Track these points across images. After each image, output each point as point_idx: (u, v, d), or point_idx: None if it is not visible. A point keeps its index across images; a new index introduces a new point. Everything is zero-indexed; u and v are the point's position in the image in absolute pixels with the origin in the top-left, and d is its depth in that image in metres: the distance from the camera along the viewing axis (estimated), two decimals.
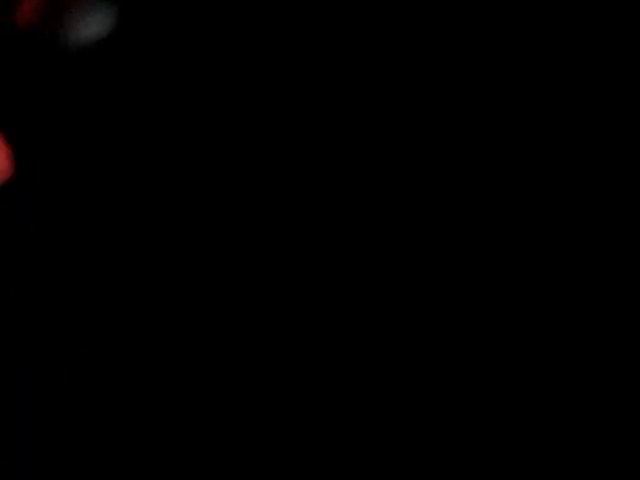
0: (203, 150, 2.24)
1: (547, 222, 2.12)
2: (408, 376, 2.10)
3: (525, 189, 2.14)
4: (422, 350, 2.11)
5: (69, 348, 2.17)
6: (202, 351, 2.15)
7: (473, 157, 2.16)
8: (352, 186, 2.18)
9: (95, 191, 2.24)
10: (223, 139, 2.24)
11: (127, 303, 2.18)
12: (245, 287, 2.17)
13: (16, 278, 2.20)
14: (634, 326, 2.07)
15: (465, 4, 2.15)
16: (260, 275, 2.17)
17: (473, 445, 2.05)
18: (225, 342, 2.16)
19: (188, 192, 2.22)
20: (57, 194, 2.26)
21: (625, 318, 2.08)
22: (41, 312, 2.19)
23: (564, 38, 2.15)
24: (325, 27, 2.19)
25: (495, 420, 2.06)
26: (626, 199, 2.11)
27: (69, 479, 2.09)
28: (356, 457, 2.07)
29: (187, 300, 2.17)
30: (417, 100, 2.18)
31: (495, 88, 2.17)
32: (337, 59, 2.20)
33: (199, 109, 2.25)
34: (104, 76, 2.29)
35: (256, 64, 2.24)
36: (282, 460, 2.07)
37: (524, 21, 2.15)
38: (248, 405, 2.11)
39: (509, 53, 2.16)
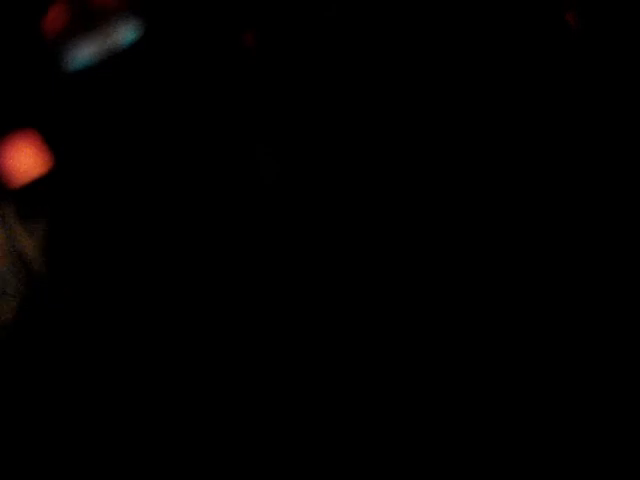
0: (207, 152, 2.29)
1: (547, 222, 2.13)
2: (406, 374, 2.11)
3: (525, 189, 2.15)
4: (422, 347, 2.12)
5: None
6: (201, 349, 2.19)
7: (473, 158, 2.18)
8: (351, 187, 2.20)
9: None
10: (226, 142, 2.29)
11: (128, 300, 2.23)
12: (243, 286, 2.20)
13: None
14: (634, 326, 2.07)
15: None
16: (259, 274, 2.20)
17: (473, 443, 2.06)
18: (224, 340, 2.19)
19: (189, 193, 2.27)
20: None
21: (625, 317, 2.07)
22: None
23: (565, 40, 2.17)
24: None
25: (493, 418, 2.06)
26: (626, 199, 2.12)
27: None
28: (356, 456, 2.08)
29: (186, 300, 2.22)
30: (418, 104, 2.22)
31: (496, 91, 2.20)
32: (340, 65, 2.25)
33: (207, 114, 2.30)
34: (121, 86, 2.35)
35: (259, 69, 2.28)
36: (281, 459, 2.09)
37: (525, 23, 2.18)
38: (247, 402, 2.14)
39: (509, 55, 2.19)
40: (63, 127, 2.35)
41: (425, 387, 2.09)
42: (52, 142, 2.35)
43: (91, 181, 2.32)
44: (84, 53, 2.38)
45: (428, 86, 2.21)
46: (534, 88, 2.21)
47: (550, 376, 2.07)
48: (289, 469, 2.06)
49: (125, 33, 2.38)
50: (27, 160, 2.34)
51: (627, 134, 2.18)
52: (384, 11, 2.21)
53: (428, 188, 2.19)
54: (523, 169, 2.18)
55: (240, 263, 2.21)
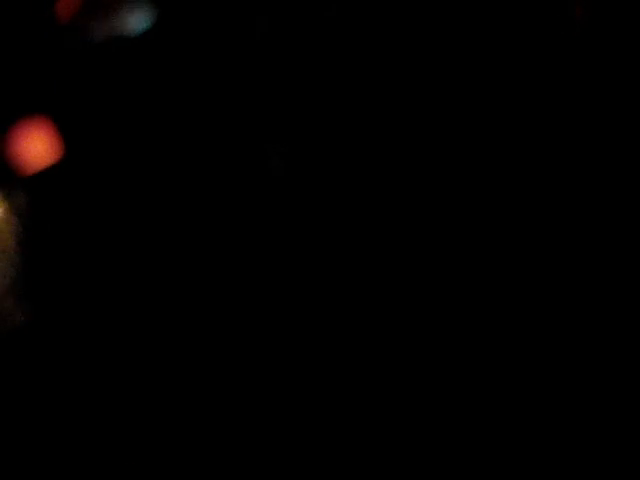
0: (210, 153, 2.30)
1: (547, 222, 2.12)
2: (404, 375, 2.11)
3: (525, 189, 2.14)
4: (421, 348, 2.13)
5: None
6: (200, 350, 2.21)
7: (473, 158, 2.18)
8: (351, 187, 2.21)
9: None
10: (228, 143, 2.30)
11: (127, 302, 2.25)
12: (243, 287, 2.22)
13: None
14: (634, 326, 2.06)
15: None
16: (259, 275, 2.21)
17: (473, 444, 2.06)
18: (224, 341, 2.21)
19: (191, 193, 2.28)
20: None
21: (625, 318, 2.07)
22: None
23: (569, 32, 2.15)
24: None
25: (491, 419, 2.07)
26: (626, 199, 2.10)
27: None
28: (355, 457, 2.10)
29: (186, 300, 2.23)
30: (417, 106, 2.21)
31: (497, 93, 2.18)
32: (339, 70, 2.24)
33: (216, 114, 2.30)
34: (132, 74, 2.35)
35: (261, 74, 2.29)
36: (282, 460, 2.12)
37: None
38: (245, 403, 2.15)
39: (512, 48, 2.17)
40: (75, 115, 2.37)
41: (424, 387, 2.10)
42: (64, 130, 2.36)
43: (103, 170, 2.33)
44: (97, 40, 2.39)
45: (429, 81, 2.21)
46: (538, 81, 2.19)
47: (550, 376, 2.08)
48: (289, 469, 2.08)
49: (139, 21, 2.38)
50: (39, 148, 2.35)
51: (633, 129, 2.16)
52: (384, 11, 2.20)
53: (427, 188, 2.19)
54: (527, 163, 2.18)
55: (244, 255, 2.23)
